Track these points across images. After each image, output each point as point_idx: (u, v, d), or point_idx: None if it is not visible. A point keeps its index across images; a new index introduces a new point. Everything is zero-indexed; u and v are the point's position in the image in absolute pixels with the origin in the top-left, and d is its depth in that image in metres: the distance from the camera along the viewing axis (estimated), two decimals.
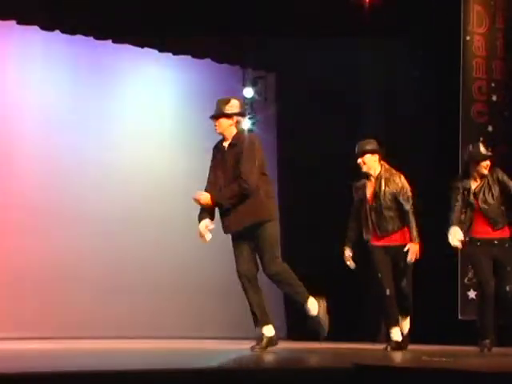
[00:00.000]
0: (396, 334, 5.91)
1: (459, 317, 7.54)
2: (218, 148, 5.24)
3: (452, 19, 7.73)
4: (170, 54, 8.35)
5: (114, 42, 7.91)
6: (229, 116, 5.15)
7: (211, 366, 3.83)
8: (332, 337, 5.88)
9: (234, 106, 5.18)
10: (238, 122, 5.21)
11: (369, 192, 5.91)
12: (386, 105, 8.50)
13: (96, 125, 8.36)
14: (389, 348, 5.83)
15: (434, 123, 7.99)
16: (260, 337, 5.10)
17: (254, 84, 9.12)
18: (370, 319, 8.12)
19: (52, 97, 8.09)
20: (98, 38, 7.82)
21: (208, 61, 8.54)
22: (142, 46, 8.10)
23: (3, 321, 7.27)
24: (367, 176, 5.93)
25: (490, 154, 5.83)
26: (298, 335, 7.98)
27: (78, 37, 7.72)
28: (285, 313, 8.82)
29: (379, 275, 5.87)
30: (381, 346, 6.06)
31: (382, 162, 5.94)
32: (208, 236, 5.04)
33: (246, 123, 9.12)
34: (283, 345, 6.90)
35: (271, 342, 5.12)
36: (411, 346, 6.12)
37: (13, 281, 7.47)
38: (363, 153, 5.91)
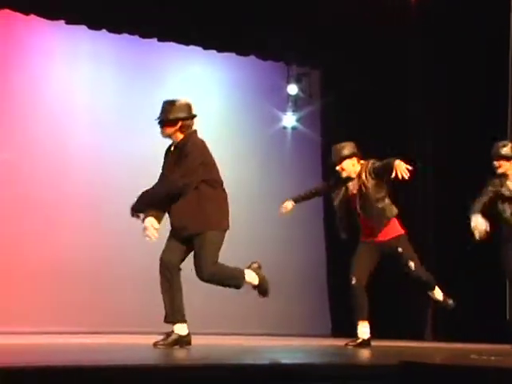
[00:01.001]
0: (361, 331, 5.62)
1: (507, 317, 7.43)
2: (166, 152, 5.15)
3: None
4: (215, 52, 8.38)
5: (159, 40, 7.98)
6: (173, 122, 5.09)
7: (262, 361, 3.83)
8: (378, 334, 5.86)
9: (178, 109, 5.13)
10: (183, 127, 5.10)
11: (355, 191, 5.76)
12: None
13: (141, 123, 8.42)
14: (350, 345, 5.54)
15: None
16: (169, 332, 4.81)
17: (298, 81, 9.10)
18: (416, 316, 8.05)
19: (99, 95, 8.19)
20: (143, 36, 7.89)
21: (252, 58, 8.55)
22: (187, 44, 8.15)
23: (47, 314, 7.39)
24: (346, 181, 5.80)
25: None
26: (343, 332, 7.96)
27: (124, 35, 7.81)
28: (330, 310, 8.81)
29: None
30: (428, 344, 6.00)
31: (360, 162, 5.80)
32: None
33: (291, 120, 9.15)
34: (328, 342, 6.89)
35: (180, 340, 4.76)
36: (459, 345, 6.05)
37: (58, 275, 7.58)
38: (341, 160, 5.80)
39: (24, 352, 4.27)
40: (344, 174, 5.76)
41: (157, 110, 8.47)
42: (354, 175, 5.76)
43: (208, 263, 4.74)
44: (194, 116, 5.11)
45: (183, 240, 4.88)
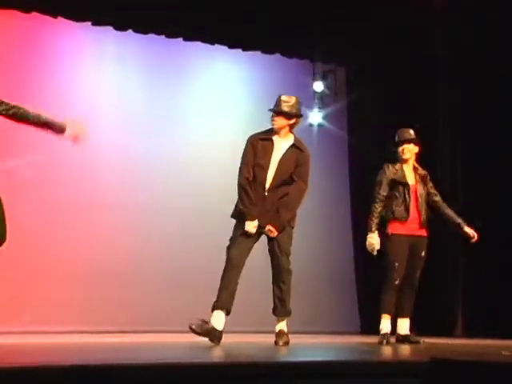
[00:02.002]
0: (403, 326, 5.82)
1: None
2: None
3: None
4: (240, 50, 8.39)
5: (184, 39, 8.01)
6: (290, 116, 5.22)
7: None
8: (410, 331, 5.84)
9: (297, 106, 5.26)
10: (294, 124, 5.25)
11: (410, 177, 5.87)
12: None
13: (168, 123, 8.48)
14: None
15: None
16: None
17: (323, 78, 9.08)
18: (447, 313, 8.01)
19: (126, 95, 8.26)
20: (169, 36, 7.94)
21: (277, 56, 8.55)
22: (212, 43, 8.17)
23: (76, 314, 7.46)
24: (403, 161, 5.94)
25: None
26: (372, 330, 7.94)
27: (150, 36, 7.86)
28: (358, 307, 8.78)
29: (396, 264, 5.73)
30: (458, 340, 5.97)
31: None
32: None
33: (317, 117, 9.13)
34: (358, 339, 6.88)
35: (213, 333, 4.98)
36: (490, 341, 6.01)
37: (88, 275, 7.65)
38: (410, 141, 5.94)
39: (53, 351, 4.32)
40: (407, 155, 5.88)
41: (183, 110, 8.61)
42: (410, 163, 5.89)
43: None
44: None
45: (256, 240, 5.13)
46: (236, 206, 5.14)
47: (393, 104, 8.37)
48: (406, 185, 5.86)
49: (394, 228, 5.79)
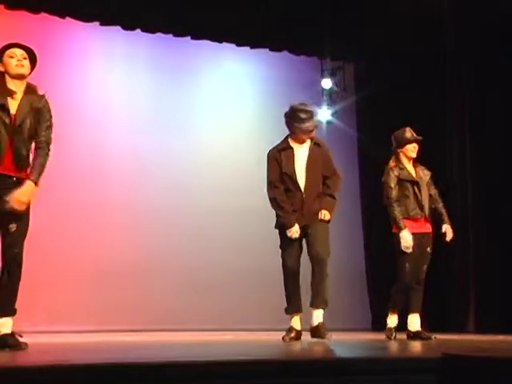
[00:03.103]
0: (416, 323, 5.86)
1: None
2: None
3: None
4: (248, 48, 8.40)
5: (192, 38, 8.02)
6: None
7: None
8: (421, 327, 5.83)
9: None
10: None
11: (415, 174, 5.93)
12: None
13: (177, 122, 8.49)
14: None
15: None
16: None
17: (332, 75, 9.06)
18: (459, 309, 7.99)
19: (135, 95, 8.28)
20: (177, 35, 7.95)
21: (285, 53, 8.55)
22: (220, 41, 8.18)
23: (90, 314, 7.49)
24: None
25: None
26: (383, 326, 7.93)
27: (158, 35, 7.87)
28: (369, 304, 8.78)
29: (407, 265, 5.77)
30: (470, 336, 5.95)
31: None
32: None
33: (326, 114, 9.12)
34: (369, 335, 6.88)
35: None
36: (502, 337, 5.99)
37: (98, 275, 7.68)
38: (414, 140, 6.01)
39: (64, 350, 4.34)
40: (414, 155, 5.97)
41: (192, 108, 8.62)
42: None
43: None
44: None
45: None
46: (276, 217, 5.39)
47: (401, 100, 8.35)
48: (414, 182, 5.90)
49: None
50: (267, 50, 8.44)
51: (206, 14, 7.64)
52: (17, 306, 4.15)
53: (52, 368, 2.82)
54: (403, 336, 5.83)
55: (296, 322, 5.30)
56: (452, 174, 8.08)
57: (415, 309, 5.85)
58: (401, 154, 6.00)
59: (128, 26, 7.63)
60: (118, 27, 7.60)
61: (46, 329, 6.71)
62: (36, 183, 4.13)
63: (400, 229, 5.78)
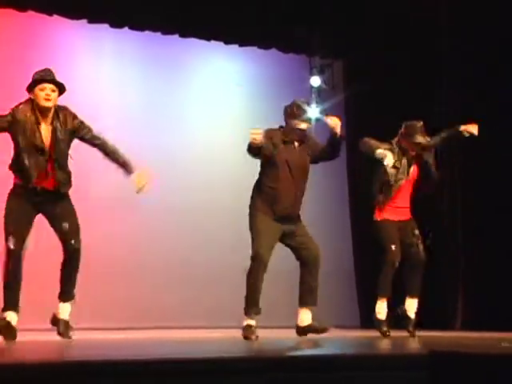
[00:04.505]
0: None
1: None
2: None
3: None
4: (236, 46, 8.40)
5: (180, 36, 8.01)
6: None
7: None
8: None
9: None
10: None
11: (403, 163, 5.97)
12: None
13: (166, 119, 8.48)
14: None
15: None
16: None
17: (320, 72, 9.07)
18: (446, 306, 8.02)
19: (123, 93, 8.26)
20: (165, 32, 7.94)
21: (274, 51, 8.55)
22: (209, 39, 8.17)
23: (81, 311, 7.45)
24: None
25: None
26: (372, 323, 7.95)
27: (146, 33, 7.85)
28: (358, 301, 8.80)
29: (393, 246, 5.80)
30: (458, 333, 5.98)
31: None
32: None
33: (314, 112, 9.12)
34: (358, 333, 6.90)
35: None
36: (490, 334, 6.02)
37: (96, 272, 7.62)
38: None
39: (58, 348, 4.34)
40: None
41: (181, 106, 8.59)
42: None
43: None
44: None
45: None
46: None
47: (391, 98, 8.36)
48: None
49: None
50: (255, 47, 8.44)
51: (194, 11, 7.63)
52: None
53: (44, 365, 2.82)
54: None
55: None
56: (441, 173, 8.09)
57: (414, 293, 5.84)
58: (403, 144, 6.00)
59: (116, 23, 7.61)
60: (106, 25, 7.58)
61: (36, 326, 6.68)
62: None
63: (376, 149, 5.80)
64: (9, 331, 4.64)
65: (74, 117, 4.90)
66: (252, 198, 5.41)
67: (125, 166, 5.05)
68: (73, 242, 4.73)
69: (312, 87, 9.04)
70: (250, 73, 8.92)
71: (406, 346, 4.76)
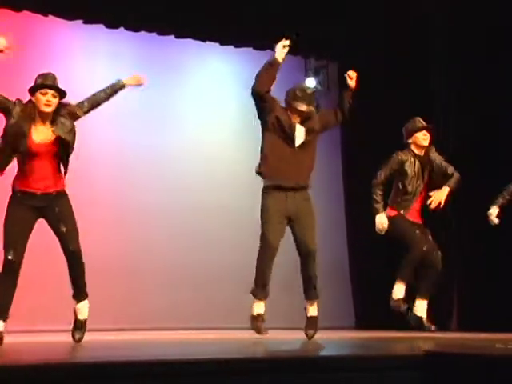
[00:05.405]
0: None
1: None
2: None
3: None
4: (232, 47, 8.40)
5: (176, 37, 8.01)
6: None
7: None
8: (404, 325, 5.86)
9: None
10: None
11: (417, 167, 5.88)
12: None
13: (162, 119, 8.48)
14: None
15: None
16: None
17: (316, 74, 9.08)
18: (441, 307, 8.03)
19: (119, 93, 8.22)
20: (160, 33, 7.93)
21: (269, 52, 8.53)
22: (204, 40, 8.17)
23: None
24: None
25: None
26: (367, 325, 7.96)
27: (142, 33, 7.85)
28: (353, 302, 8.80)
29: (417, 232, 5.77)
30: (453, 334, 5.99)
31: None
32: None
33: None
34: (352, 334, 6.91)
35: None
36: (484, 334, 6.03)
37: (90, 273, 7.62)
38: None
39: (51, 349, 4.33)
40: (426, 144, 5.89)
41: (176, 106, 8.58)
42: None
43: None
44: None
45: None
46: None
47: (386, 99, 8.38)
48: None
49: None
50: (251, 48, 8.44)
51: (189, 12, 7.63)
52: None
53: (37, 367, 2.81)
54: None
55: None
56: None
57: (423, 294, 5.78)
58: (412, 146, 5.94)
59: (111, 24, 7.60)
60: (102, 25, 7.57)
61: (29, 328, 6.68)
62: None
63: (375, 211, 5.76)
64: None
65: (69, 111, 4.92)
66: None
67: (116, 91, 5.26)
68: (70, 245, 4.72)
69: (307, 89, 9.03)
70: (246, 74, 8.90)
71: (400, 346, 4.76)
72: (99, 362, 3.01)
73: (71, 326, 4.90)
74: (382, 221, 5.78)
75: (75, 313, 4.87)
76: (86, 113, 5.06)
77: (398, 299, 5.68)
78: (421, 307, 5.78)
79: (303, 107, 5.30)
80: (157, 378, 2.88)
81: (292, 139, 5.26)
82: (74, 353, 4.09)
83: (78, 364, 3.00)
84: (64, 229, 4.69)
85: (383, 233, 5.79)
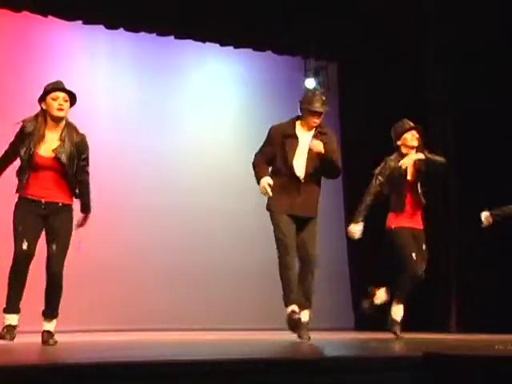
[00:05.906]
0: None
1: None
2: None
3: None
4: (232, 48, 8.40)
5: (176, 37, 8.01)
6: None
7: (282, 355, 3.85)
8: (403, 326, 5.86)
9: None
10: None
11: (409, 170, 5.83)
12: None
13: (161, 120, 8.48)
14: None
15: None
16: None
17: (315, 74, 9.08)
18: (440, 308, 8.04)
19: (118, 94, 8.25)
20: (160, 34, 7.94)
21: (269, 53, 8.56)
22: (204, 41, 8.18)
23: (74, 313, 7.43)
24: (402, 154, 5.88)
25: None
26: (366, 326, 7.96)
27: (141, 34, 7.85)
28: (352, 304, 8.80)
29: (413, 255, 5.72)
30: (452, 335, 5.99)
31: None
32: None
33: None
34: (352, 335, 6.91)
35: None
36: (484, 336, 6.03)
37: (87, 274, 7.63)
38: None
39: (51, 350, 4.33)
40: (415, 144, 5.85)
41: (176, 107, 8.58)
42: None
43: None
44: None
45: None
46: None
47: (385, 100, 8.38)
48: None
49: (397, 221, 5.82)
50: (251, 49, 8.45)
51: (189, 13, 7.63)
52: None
53: (37, 367, 2.81)
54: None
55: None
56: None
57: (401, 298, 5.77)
58: (402, 147, 5.92)
59: (111, 24, 7.61)
60: (101, 26, 7.57)
61: (29, 329, 6.67)
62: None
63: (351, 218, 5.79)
64: (8, 332, 4.63)
65: (83, 142, 4.98)
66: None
67: (84, 206, 5.02)
68: (53, 266, 4.67)
69: (307, 89, 9.04)
70: (246, 75, 8.93)
71: (400, 347, 4.76)
72: (99, 363, 3.01)
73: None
74: (351, 230, 5.89)
75: (44, 327, 4.79)
76: (79, 181, 4.98)
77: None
78: (399, 311, 5.75)
79: (319, 107, 5.29)
80: (157, 378, 2.88)
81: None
82: (74, 353, 4.09)
83: (78, 364, 3.00)
84: (54, 248, 4.65)
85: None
